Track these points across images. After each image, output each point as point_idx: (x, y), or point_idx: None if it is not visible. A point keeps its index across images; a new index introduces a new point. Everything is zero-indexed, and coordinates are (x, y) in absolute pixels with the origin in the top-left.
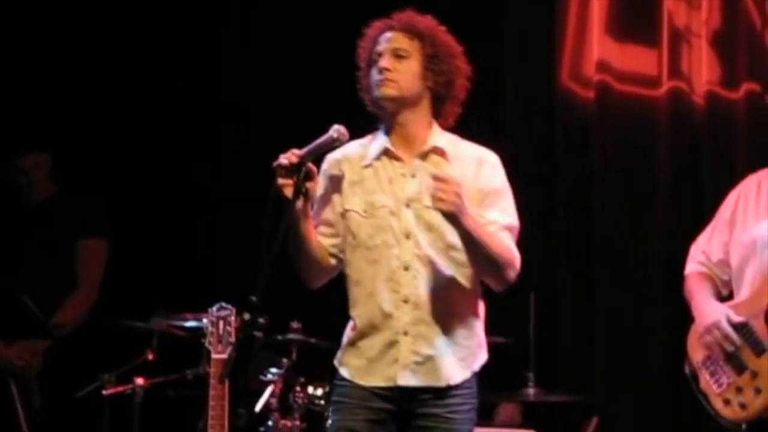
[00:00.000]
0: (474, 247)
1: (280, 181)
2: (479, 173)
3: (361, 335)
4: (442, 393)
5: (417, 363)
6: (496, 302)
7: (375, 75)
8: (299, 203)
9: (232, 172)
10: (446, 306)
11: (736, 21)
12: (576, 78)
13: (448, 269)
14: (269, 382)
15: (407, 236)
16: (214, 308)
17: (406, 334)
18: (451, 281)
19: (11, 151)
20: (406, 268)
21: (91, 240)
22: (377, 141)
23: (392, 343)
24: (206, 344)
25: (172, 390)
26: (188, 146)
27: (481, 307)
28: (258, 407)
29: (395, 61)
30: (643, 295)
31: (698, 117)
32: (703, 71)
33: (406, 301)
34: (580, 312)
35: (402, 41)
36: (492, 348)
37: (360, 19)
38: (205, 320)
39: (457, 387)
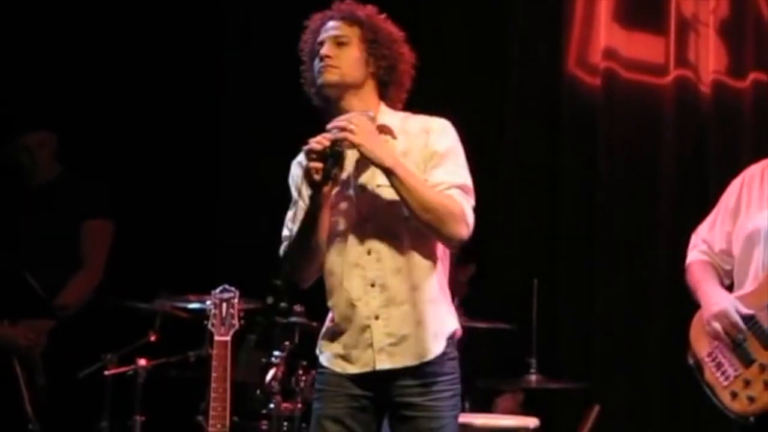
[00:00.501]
0: (405, 192)
1: (312, 164)
2: (427, 141)
3: (337, 323)
4: (421, 376)
5: (392, 344)
6: (499, 289)
7: (317, 64)
8: (326, 188)
9: (236, 154)
10: (412, 281)
11: (744, 10)
12: (583, 65)
13: (407, 241)
14: (271, 365)
15: (366, 220)
16: (218, 290)
17: (377, 318)
18: (413, 254)
19: (16, 129)
20: (369, 252)
21: (96, 221)
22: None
23: (365, 328)
24: (209, 326)
25: (175, 371)
26: (193, 128)
27: (445, 274)
28: (259, 390)
29: (336, 48)
30: (646, 283)
31: (704, 106)
32: (710, 60)
33: (372, 285)
34: (583, 299)
35: (342, 28)
36: (495, 335)
37: None
38: (208, 302)
39: (438, 374)
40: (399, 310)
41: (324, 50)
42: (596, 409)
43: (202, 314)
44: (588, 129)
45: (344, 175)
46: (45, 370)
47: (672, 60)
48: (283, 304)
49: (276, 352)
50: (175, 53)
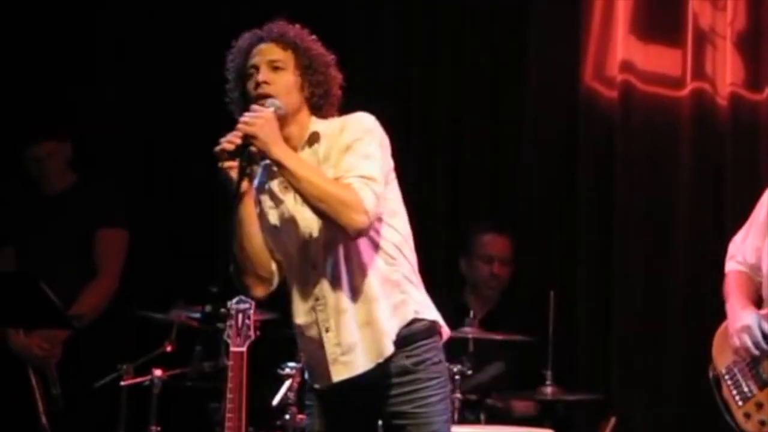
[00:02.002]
0: (296, 183)
1: (226, 164)
2: (341, 138)
3: (301, 341)
4: (407, 384)
5: (344, 354)
6: (516, 301)
7: (252, 90)
8: (244, 185)
9: None
10: (352, 285)
11: (761, 23)
12: (599, 78)
13: (341, 244)
14: (287, 376)
15: (310, 235)
16: (234, 301)
17: (327, 330)
18: (349, 256)
19: (28, 139)
20: (314, 266)
21: (111, 230)
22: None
23: (320, 344)
24: (225, 337)
25: (190, 382)
26: (210, 138)
27: (392, 267)
28: (275, 401)
29: (272, 73)
30: (663, 296)
31: (721, 118)
32: (727, 72)
33: (317, 299)
34: (600, 311)
35: (276, 52)
36: (513, 346)
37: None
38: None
39: (423, 380)
40: (345, 317)
41: (261, 76)
42: (613, 420)
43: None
44: (605, 141)
45: (274, 185)
46: (60, 380)
47: (689, 73)
48: (222, 310)
49: (291, 363)
50: (184, 59)
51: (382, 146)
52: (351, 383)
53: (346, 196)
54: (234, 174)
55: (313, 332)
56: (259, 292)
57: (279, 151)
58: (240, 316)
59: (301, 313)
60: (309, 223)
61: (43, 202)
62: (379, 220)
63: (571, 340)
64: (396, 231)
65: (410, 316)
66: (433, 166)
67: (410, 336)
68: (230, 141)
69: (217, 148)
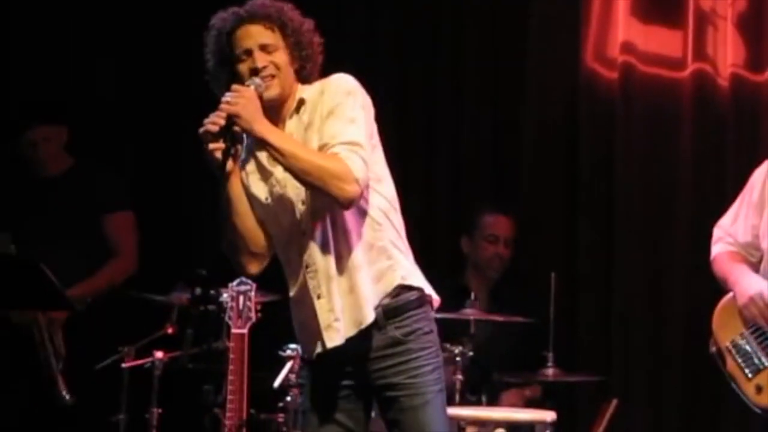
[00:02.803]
0: (282, 159)
1: (211, 146)
2: (322, 102)
3: (295, 312)
4: (397, 355)
5: (336, 319)
6: (517, 283)
7: (250, 76)
8: (229, 165)
9: None
10: (338, 252)
11: (763, 4)
12: (600, 59)
13: (327, 212)
14: (288, 358)
15: (300, 202)
16: (235, 283)
17: (319, 297)
18: (336, 224)
19: (23, 123)
20: (303, 233)
21: (118, 213)
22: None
23: (314, 311)
24: (226, 319)
25: (192, 364)
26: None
27: (377, 232)
28: (276, 383)
29: (268, 56)
30: (664, 277)
31: (722, 99)
32: (728, 53)
33: (307, 267)
34: (601, 293)
35: (265, 35)
36: (514, 328)
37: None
38: (225, 295)
39: (413, 350)
40: (333, 283)
41: (260, 62)
42: (614, 402)
43: (219, 307)
44: (606, 123)
45: (262, 156)
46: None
47: (690, 54)
48: (212, 292)
49: (292, 345)
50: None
51: (365, 108)
52: (340, 354)
53: (334, 166)
54: (219, 154)
55: (305, 300)
56: (254, 268)
57: (262, 128)
58: (241, 297)
59: (293, 284)
60: (298, 191)
61: (38, 185)
62: (365, 186)
63: (573, 321)
64: (382, 196)
65: (396, 282)
66: (433, 147)
67: (399, 307)
68: (214, 122)
69: (202, 130)
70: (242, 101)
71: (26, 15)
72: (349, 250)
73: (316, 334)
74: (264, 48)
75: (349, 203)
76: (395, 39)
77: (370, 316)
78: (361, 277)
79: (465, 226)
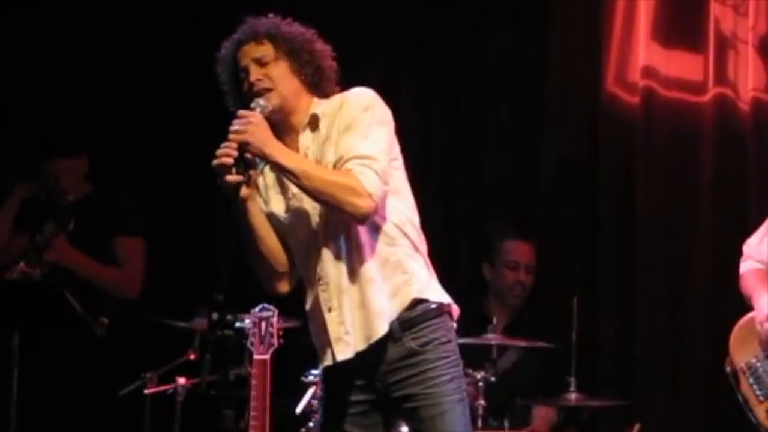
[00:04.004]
0: (294, 179)
1: (230, 179)
2: (340, 116)
3: (310, 325)
4: (414, 366)
5: (347, 333)
6: (539, 308)
7: (248, 92)
8: (244, 191)
9: None
10: (351, 266)
11: None
12: (621, 83)
13: (341, 227)
14: (311, 384)
15: (319, 215)
16: (257, 309)
17: (330, 310)
18: (350, 237)
19: (43, 154)
20: (319, 246)
21: (128, 237)
22: None
23: (324, 325)
24: (248, 345)
25: (214, 390)
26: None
27: (392, 246)
28: (299, 409)
29: (262, 68)
30: (686, 301)
31: (744, 123)
32: (749, 78)
33: (320, 279)
34: (623, 317)
35: (256, 49)
36: (536, 354)
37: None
38: (247, 321)
39: (430, 360)
40: (345, 297)
41: (252, 76)
42: (637, 427)
43: (241, 333)
44: (627, 147)
45: (276, 177)
46: (85, 389)
47: (711, 78)
48: (229, 317)
49: (314, 371)
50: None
51: (383, 123)
52: (354, 367)
53: (346, 182)
54: (235, 185)
55: (318, 313)
56: (283, 288)
57: (274, 151)
58: (263, 323)
59: (309, 296)
60: (314, 204)
61: (56, 212)
62: (380, 199)
63: (595, 346)
64: (398, 210)
65: (412, 296)
66: (454, 173)
67: (414, 318)
68: (227, 154)
69: (215, 163)
70: (250, 127)
71: (48, 41)
72: (362, 264)
73: (327, 347)
74: (257, 61)
75: (363, 218)
76: (416, 75)
77: (381, 330)
78: (374, 291)
79: (486, 253)
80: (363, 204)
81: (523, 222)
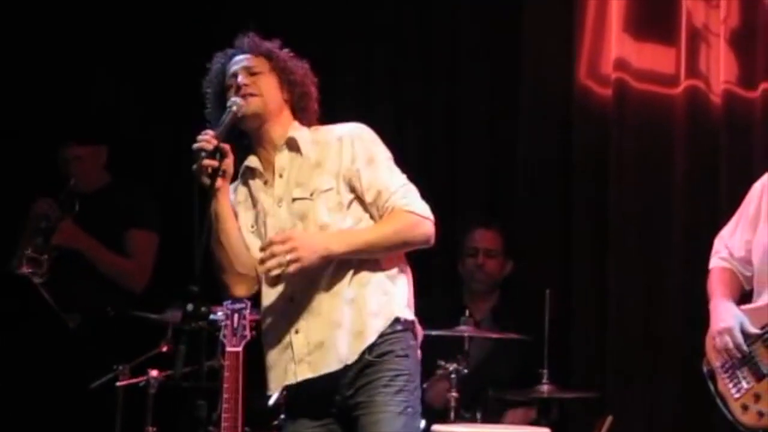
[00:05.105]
0: (366, 253)
1: (206, 162)
2: (341, 150)
3: (266, 339)
4: (362, 377)
5: (310, 353)
6: (514, 301)
7: (233, 98)
8: (218, 182)
9: None
10: (328, 287)
11: (755, 20)
12: (594, 76)
13: None
14: None
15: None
16: (229, 301)
17: (297, 332)
18: (331, 264)
19: (59, 140)
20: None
21: (141, 231)
22: (246, 161)
23: (288, 344)
24: (221, 337)
25: (187, 382)
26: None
27: (376, 275)
28: (271, 402)
29: (251, 77)
30: (659, 293)
31: (715, 116)
32: (720, 70)
33: (291, 299)
34: (596, 309)
35: (251, 60)
36: (510, 346)
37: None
38: (220, 313)
39: (378, 371)
40: (318, 319)
41: (240, 80)
42: (609, 419)
43: (214, 325)
44: (600, 139)
45: (261, 196)
46: (56, 382)
47: (683, 70)
48: (203, 309)
49: None
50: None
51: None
52: (312, 384)
53: (404, 223)
54: (210, 170)
55: (281, 332)
56: (240, 291)
57: (336, 248)
58: (235, 316)
59: (270, 313)
60: (285, 223)
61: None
62: (360, 221)
63: (567, 338)
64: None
65: (392, 317)
66: (428, 168)
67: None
68: (208, 141)
69: (195, 146)
70: (300, 252)
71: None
72: (341, 286)
73: (287, 365)
74: (248, 69)
75: (429, 243)
76: (389, 70)
77: (354, 355)
78: (353, 313)
79: (458, 249)
80: (428, 230)
81: (498, 212)
